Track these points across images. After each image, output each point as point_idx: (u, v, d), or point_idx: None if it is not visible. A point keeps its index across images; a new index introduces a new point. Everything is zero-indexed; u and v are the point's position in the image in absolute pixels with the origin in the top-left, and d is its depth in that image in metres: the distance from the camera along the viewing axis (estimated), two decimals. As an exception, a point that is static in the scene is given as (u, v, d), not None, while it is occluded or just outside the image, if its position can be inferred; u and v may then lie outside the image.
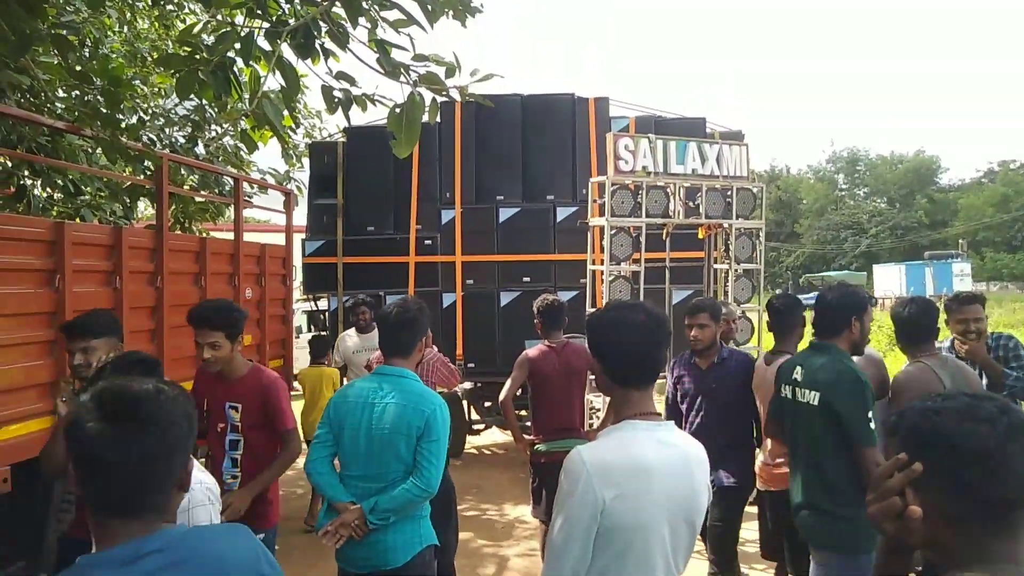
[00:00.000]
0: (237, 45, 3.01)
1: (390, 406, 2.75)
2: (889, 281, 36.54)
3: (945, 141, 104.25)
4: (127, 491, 1.27)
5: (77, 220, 5.94)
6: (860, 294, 3.16)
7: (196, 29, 3.47)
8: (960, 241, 44.20)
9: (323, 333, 7.88)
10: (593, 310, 2.31)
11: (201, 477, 2.16)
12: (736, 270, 6.56)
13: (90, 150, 6.08)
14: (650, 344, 1.85)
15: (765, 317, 4.22)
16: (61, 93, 5.82)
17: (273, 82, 3.69)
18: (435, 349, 4.76)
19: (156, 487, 1.30)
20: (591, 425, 5.86)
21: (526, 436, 4.66)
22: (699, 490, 1.83)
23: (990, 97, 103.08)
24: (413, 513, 2.81)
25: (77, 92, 5.24)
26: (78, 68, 5.05)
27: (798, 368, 3.10)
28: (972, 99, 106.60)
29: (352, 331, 6.00)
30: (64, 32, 4.79)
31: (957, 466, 1.07)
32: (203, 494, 2.11)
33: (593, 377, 5.09)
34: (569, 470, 1.75)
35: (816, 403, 2.94)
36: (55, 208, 6.31)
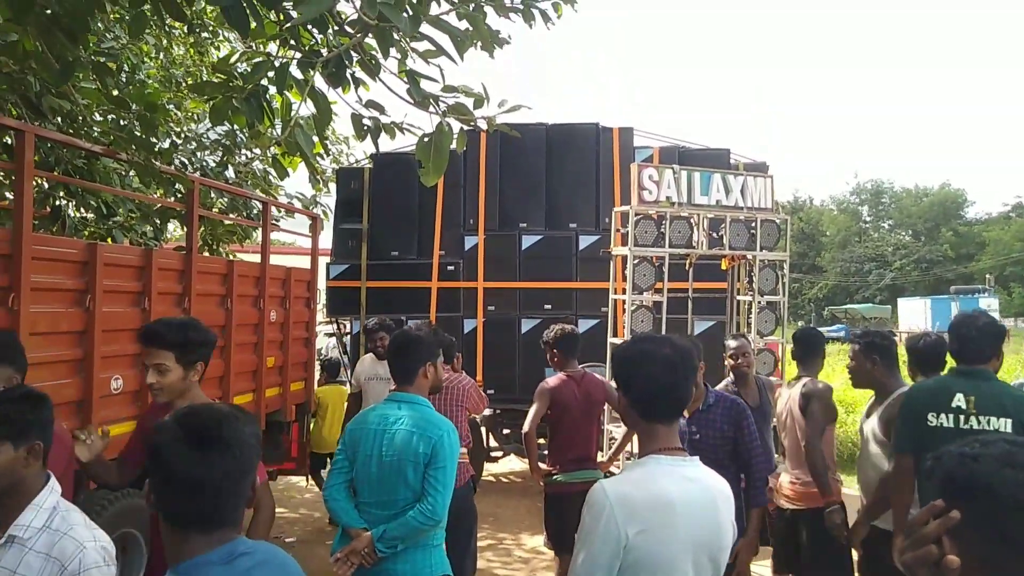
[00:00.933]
0: (271, 74, 3.08)
1: (400, 432, 2.76)
2: (914, 315, 36.00)
3: (971, 175, 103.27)
4: (211, 507, 1.41)
5: (108, 241, 6.06)
6: (1001, 324, 3.30)
7: (233, 59, 3.55)
8: (987, 276, 43.51)
9: (331, 358, 7.93)
10: (618, 342, 2.47)
11: (94, 535, 1.93)
12: (759, 302, 6.52)
13: (123, 172, 6.22)
14: (676, 378, 1.82)
15: (790, 347, 4.35)
16: (98, 117, 5.97)
17: (304, 110, 3.78)
18: (464, 373, 4.77)
19: (234, 503, 1.44)
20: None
21: (542, 465, 4.64)
22: (724, 527, 1.81)
23: (1016, 133, 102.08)
24: (424, 542, 2.78)
25: (113, 116, 5.38)
26: (115, 93, 5.20)
27: (958, 395, 2.94)
28: (998, 135, 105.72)
29: (369, 356, 5.58)
30: (103, 59, 4.94)
31: (996, 514, 1.04)
32: (97, 554, 1.86)
33: (610, 408, 5.10)
34: (592, 504, 1.74)
35: (1010, 430, 2.83)
36: (88, 229, 6.44)
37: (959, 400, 2.95)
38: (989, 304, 35.05)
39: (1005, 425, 2.85)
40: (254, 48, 4.19)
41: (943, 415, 2.98)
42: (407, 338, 2.99)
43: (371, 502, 2.78)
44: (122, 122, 5.45)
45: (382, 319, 5.63)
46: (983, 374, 3.04)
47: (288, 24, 3.02)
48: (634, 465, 1.88)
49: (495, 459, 8.23)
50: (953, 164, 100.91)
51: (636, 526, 1.69)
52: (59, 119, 5.15)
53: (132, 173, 6.01)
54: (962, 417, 2.93)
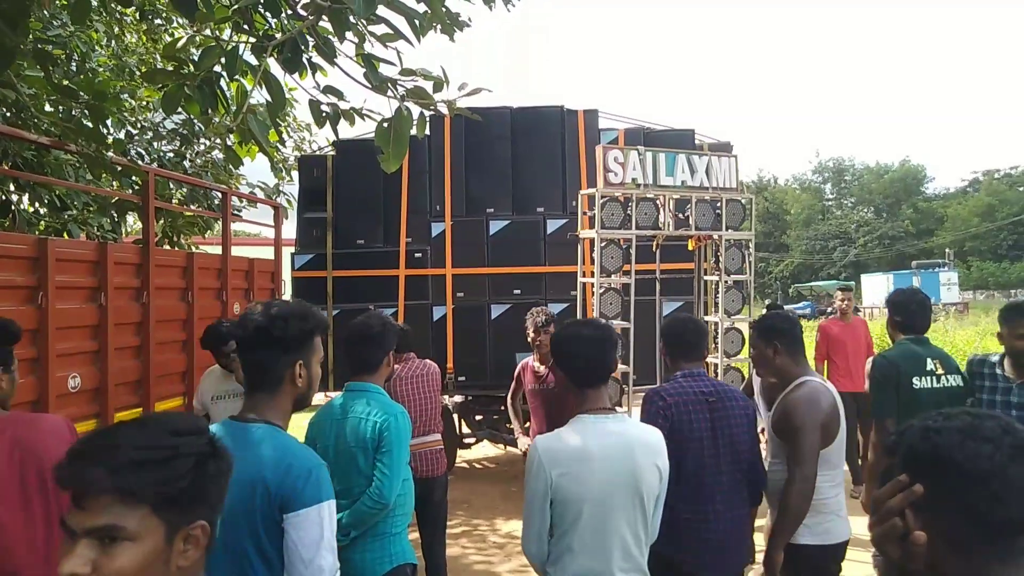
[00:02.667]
0: (223, 60, 2.99)
1: (350, 420, 2.78)
2: (877, 291, 36.71)
3: (930, 149, 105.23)
4: None
5: (65, 235, 5.89)
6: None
7: (180, 44, 3.44)
8: (947, 250, 44.55)
9: None
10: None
11: None
12: (726, 281, 6.57)
13: (77, 165, 6.04)
14: (598, 352, 2.30)
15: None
16: (48, 108, 5.78)
17: (259, 97, 3.68)
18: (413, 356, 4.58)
19: None
20: None
21: (525, 438, 4.73)
22: (642, 467, 2.22)
23: (975, 105, 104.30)
24: (381, 530, 2.78)
25: (63, 107, 5.20)
26: (64, 82, 5.02)
27: (928, 360, 3.58)
28: (957, 107, 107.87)
29: (217, 370, 4.37)
30: (49, 47, 4.76)
31: (958, 488, 1.03)
32: None
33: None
34: (529, 456, 2.27)
35: (961, 384, 3.53)
36: (41, 223, 6.26)
37: (931, 364, 3.57)
38: (949, 278, 35.91)
39: (959, 380, 3.54)
40: (206, 33, 4.07)
41: (924, 378, 3.56)
42: (370, 328, 2.95)
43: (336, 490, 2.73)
44: (72, 112, 5.29)
45: (227, 325, 4.24)
46: (926, 340, 3.72)
47: (236, 6, 2.92)
48: (569, 423, 2.30)
49: (468, 446, 8.22)
50: (913, 138, 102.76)
51: (559, 470, 2.18)
52: (3, 110, 4.96)
53: (86, 165, 5.84)
54: (935, 378, 3.55)
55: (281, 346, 1.89)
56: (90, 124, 4.24)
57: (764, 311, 4.82)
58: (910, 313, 3.72)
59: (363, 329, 2.94)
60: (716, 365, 6.61)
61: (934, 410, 1.13)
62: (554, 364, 2.46)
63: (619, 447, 2.20)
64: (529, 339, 4.81)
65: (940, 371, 3.56)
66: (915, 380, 3.54)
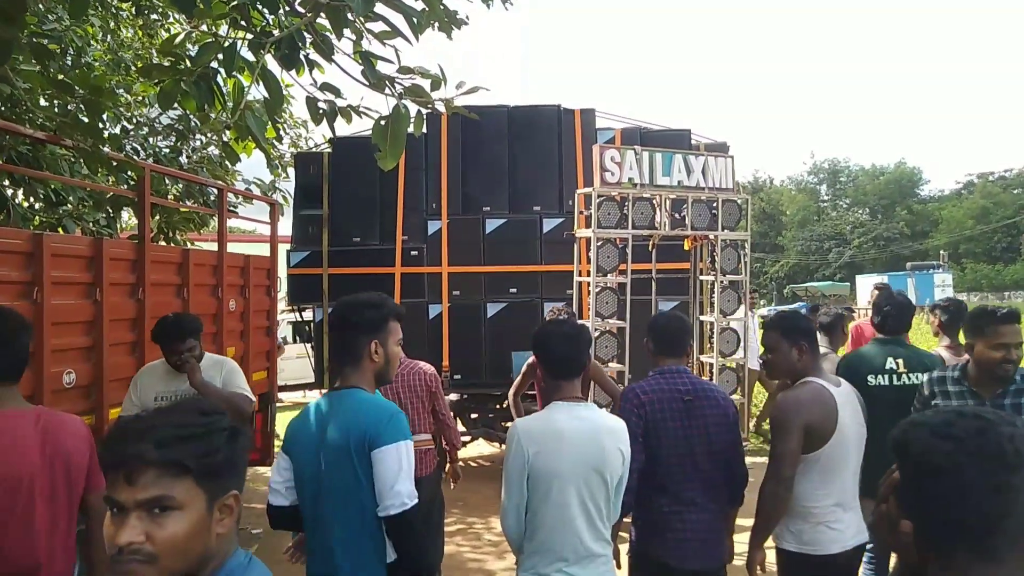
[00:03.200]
0: (220, 56, 2.98)
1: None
2: (871, 291, 36.82)
3: (926, 151, 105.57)
4: None
5: (60, 231, 5.86)
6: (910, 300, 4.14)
7: (178, 40, 3.43)
8: (941, 252, 44.68)
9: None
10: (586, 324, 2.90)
11: None
12: (722, 281, 6.58)
13: (72, 160, 6.01)
14: (572, 349, 2.61)
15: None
16: (43, 102, 5.76)
17: (257, 93, 3.68)
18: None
19: None
20: None
21: None
22: (608, 451, 2.49)
23: (969, 108, 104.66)
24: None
25: (59, 102, 5.19)
26: (60, 77, 5.00)
27: (889, 359, 3.75)
28: (952, 109, 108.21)
29: (161, 365, 3.89)
30: (45, 41, 4.74)
31: (920, 481, 1.07)
32: None
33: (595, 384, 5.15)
34: (508, 435, 2.58)
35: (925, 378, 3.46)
36: (37, 218, 6.23)
37: (891, 363, 3.75)
38: (944, 279, 36.00)
39: (922, 378, 3.50)
40: (203, 29, 4.06)
41: (880, 375, 3.73)
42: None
43: None
44: (68, 107, 5.27)
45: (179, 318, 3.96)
46: (902, 342, 3.91)
47: (235, 3, 2.92)
48: (544, 409, 2.63)
49: (463, 444, 8.22)
50: (908, 140, 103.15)
51: (535, 447, 2.47)
52: (0, 105, 4.95)
53: (83, 160, 5.82)
54: (893, 376, 3.72)
55: (359, 329, 2.36)
56: (86, 119, 4.23)
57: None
58: (884, 315, 3.96)
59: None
60: (711, 365, 6.63)
61: (892, 406, 1.18)
62: (535, 358, 2.74)
63: (587, 431, 2.50)
64: None
65: (901, 369, 3.73)
66: (869, 378, 3.71)
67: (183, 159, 7.60)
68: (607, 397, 5.87)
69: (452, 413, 5.11)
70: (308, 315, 8.18)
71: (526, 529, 2.51)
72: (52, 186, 5.77)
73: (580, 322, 3.12)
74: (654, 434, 2.83)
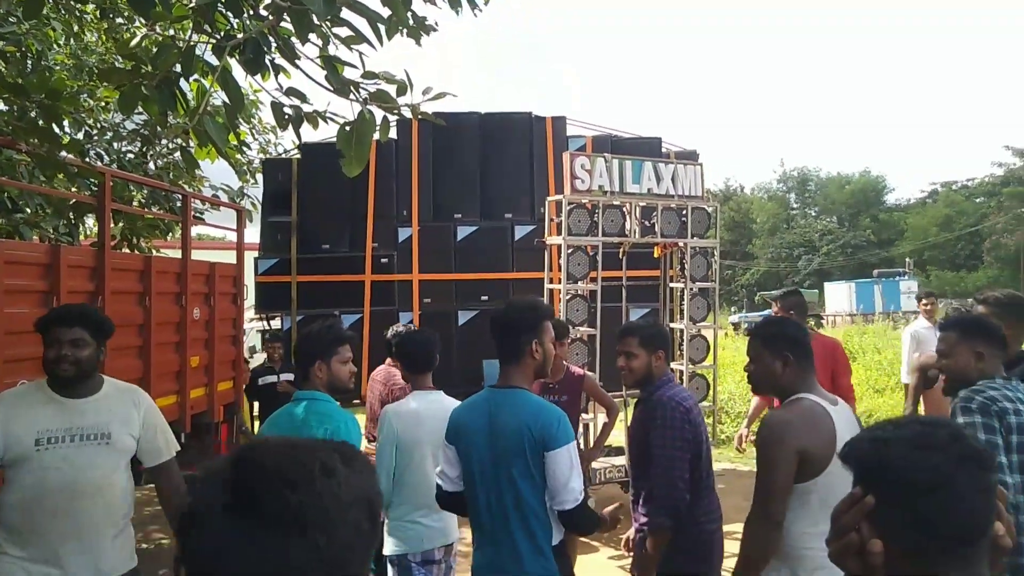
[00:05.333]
0: (181, 59, 2.92)
1: (301, 429, 2.82)
2: (839, 298, 37.38)
3: (890, 160, 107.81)
4: None
5: (17, 238, 5.71)
6: None
7: (134, 42, 3.36)
8: (907, 260, 45.55)
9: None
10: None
11: None
12: (692, 289, 6.62)
13: (31, 165, 5.86)
14: (426, 350, 3.45)
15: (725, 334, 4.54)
16: (1, 106, 5.61)
17: (221, 98, 3.61)
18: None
19: None
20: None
21: None
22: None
23: (933, 117, 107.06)
24: None
25: (16, 105, 5.05)
26: (18, 81, 4.87)
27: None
28: (916, 118, 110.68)
29: (37, 392, 2.59)
30: (3, 43, 4.62)
31: (909, 498, 1.03)
32: None
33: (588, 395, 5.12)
34: (380, 417, 3.33)
35: None
36: (-8, 225, 6.06)
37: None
38: (910, 286, 36.69)
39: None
40: (169, 32, 3.98)
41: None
42: (300, 340, 3.12)
43: None
44: (28, 112, 5.13)
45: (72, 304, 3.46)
46: None
47: (194, 4, 2.86)
48: (409, 396, 3.37)
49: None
50: (873, 148, 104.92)
51: (399, 425, 3.23)
52: (-48, 108, 4.81)
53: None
54: None
55: (520, 330, 2.59)
56: (43, 123, 4.12)
57: (782, 294, 5.00)
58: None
59: (298, 340, 3.16)
60: (681, 372, 6.66)
61: None
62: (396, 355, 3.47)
63: (438, 411, 3.06)
64: None
65: None
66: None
67: (150, 165, 7.47)
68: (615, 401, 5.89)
69: None
70: (276, 323, 8.05)
71: (394, 487, 3.20)
72: (8, 192, 5.61)
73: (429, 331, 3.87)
74: (699, 448, 2.92)
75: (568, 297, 6.14)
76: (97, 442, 2.67)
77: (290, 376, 6.34)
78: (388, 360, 4.66)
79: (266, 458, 0.84)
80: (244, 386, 6.80)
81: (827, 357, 4.40)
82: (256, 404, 7.17)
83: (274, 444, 0.88)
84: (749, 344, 2.66)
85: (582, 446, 5.38)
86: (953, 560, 1.02)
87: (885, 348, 14.48)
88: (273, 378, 6.83)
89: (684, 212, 6.52)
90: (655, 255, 7.03)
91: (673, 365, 6.93)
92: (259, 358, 10.80)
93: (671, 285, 7.27)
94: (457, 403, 3.03)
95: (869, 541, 1.05)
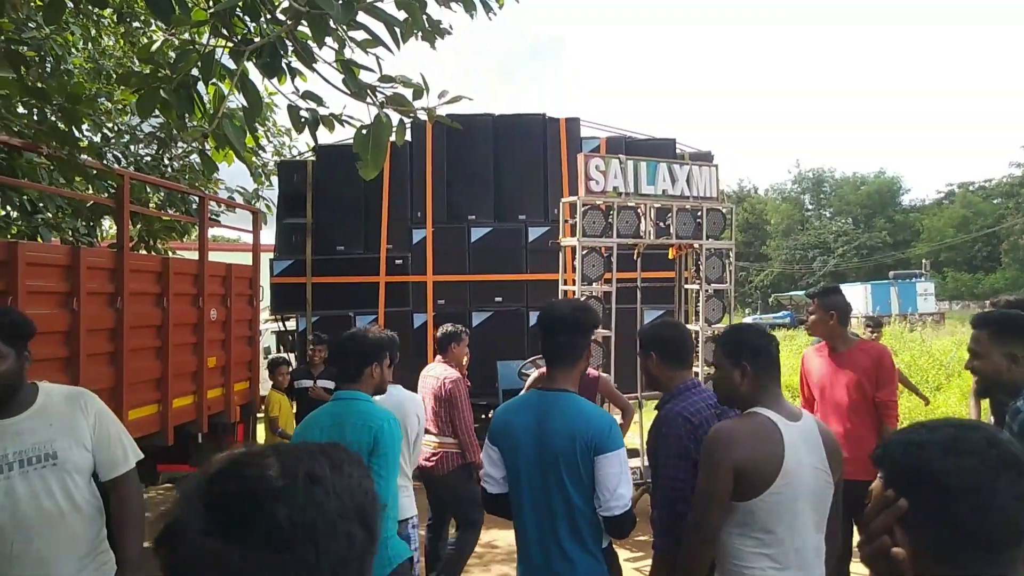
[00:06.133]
0: (199, 63, 2.95)
1: (345, 427, 2.86)
2: (855, 300, 36.90)
3: (907, 160, 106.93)
4: None
5: (37, 240, 5.78)
6: None
7: (155, 47, 3.40)
8: (923, 261, 45.15)
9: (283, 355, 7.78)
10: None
11: None
12: (707, 290, 6.59)
13: (51, 168, 5.94)
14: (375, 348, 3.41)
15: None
16: (21, 110, 5.68)
17: (238, 101, 3.64)
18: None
19: None
20: None
21: None
22: (408, 412, 3.70)
23: (949, 117, 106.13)
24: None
25: (36, 109, 5.12)
26: (39, 85, 4.93)
27: None
28: (932, 119, 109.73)
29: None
30: (24, 48, 4.68)
31: (943, 503, 1.01)
32: None
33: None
34: None
35: None
36: (13, 227, 6.14)
37: None
38: (926, 288, 36.39)
39: None
40: (187, 36, 4.02)
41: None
42: (354, 338, 3.06)
43: None
44: (47, 115, 5.20)
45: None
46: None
47: (213, 10, 2.89)
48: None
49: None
50: (889, 149, 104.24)
51: None
52: (-26, 112, 4.87)
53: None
54: None
55: (580, 331, 2.55)
56: (63, 127, 4.17)
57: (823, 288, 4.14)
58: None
59: (347, 339, 3.08)
60: (696, 373, 6.62)
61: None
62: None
63: (394, 402, 3.50)
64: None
65: None
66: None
67: (166, 167, 7.54)
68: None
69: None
70: (291, 324, 8.10)
71: None
72: (28, 195, 5.68)
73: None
74: None
75: (583, 299, 6.13)
76: (41, 465, 2.26)
77: (328, 384, 6.17)
78: (438, 357, 4.92)
79: (245, 469, 0.78)
80: (285, 387, 6.78)
81: (871, 367, 3.85)
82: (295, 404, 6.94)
83: (253, 454, 0.81)
84: (713, 352, 2.59)
85: None
86: (987, 566, 1.01)
87: (902, 351, 14.34)
88: (309, 382, 6.63)
89: (699, 213, 6.49)
90: (670, 256, 7.01)
91: (688, 367, 6.90)
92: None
93: (686, 287, 7.24)
94: (411, 394, 3.58)
95: (891, 549, 1.04)
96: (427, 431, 4.70)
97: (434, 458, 4.67)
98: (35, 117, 5.44)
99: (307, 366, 6.81)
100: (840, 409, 3.88)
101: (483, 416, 7.50)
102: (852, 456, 3.16)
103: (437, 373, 4.77)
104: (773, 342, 2.45)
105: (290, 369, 6.96)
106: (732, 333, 2.58)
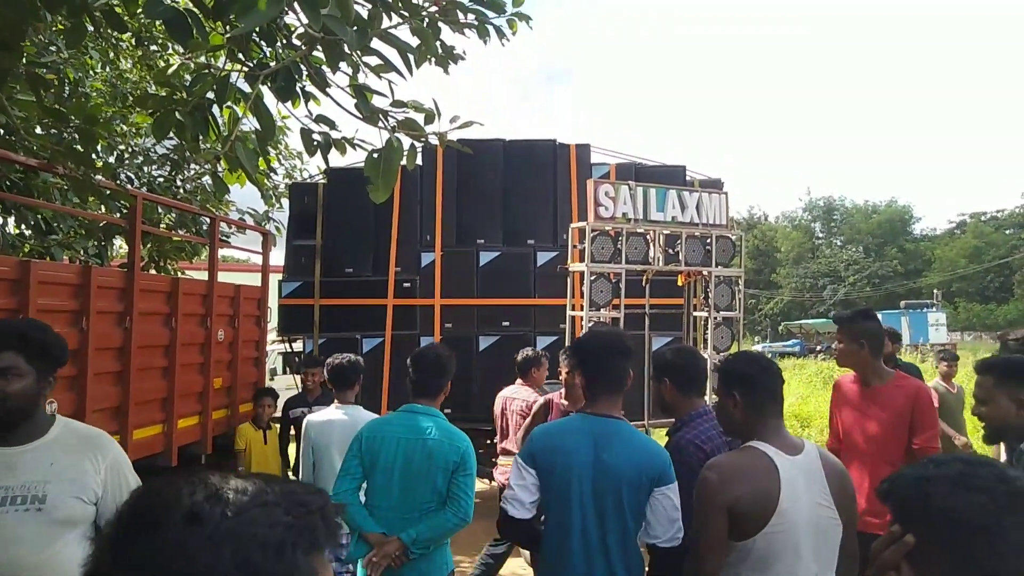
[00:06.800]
0: (215, 87, 2.99)
1: (431, 442, 2.94)
2: (866, 329, 36.71)
3: (918, 190, 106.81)
4: None
5: (48, 259, 5.83)
6: None
7: (171, 70, 3.44)
8: (935, 291, 44.89)
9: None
10: None
11: None
12: (716, 318, 6.56)
13: (64, 188, 6.01)
14: (340, 372, 4.27)
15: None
16: (39, 131, 5.77)
17: (252, 124, 3.68)
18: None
19: None
20: None
21: None
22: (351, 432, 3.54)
23: (961, 147, 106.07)
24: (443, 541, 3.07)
25: (55, 130, 5.19)
26: (57, 107, 5.00)
27: None
28: (944, 149, 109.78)
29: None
30: (44, 71, 4.76)
31: (952, 539, 1.00)
32: None
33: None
34: (304, 427, 4.24)
35: None
36: (27, 245, 6.20)
37: None
38: (937, 319, 36.10)
39: None
40: (203, 60, 4.08)
41: None
42: (437, 355, 3.23)
43: (387, 506, 2.96)
44: (64, 136, 5.27)
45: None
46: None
47: (230, 35, 2.93)
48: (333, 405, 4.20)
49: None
50: (900, 178, 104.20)
51: (313, 431, 4.16)
52: (-7, 132, 4.95)
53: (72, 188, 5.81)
54: None
55: (629, 356, 2.58)
56: (79, 147, 4.22)
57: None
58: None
59: (430, 356, 3.23)
60: (706, 403, 6.57)
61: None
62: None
63: (346, 420, 4.01)
64: (562, 377, 4.49)
65: None
66: None
67: (179, 189, 7.61)
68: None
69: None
70: (298, 346, 8.10)
71: (313, 479, 4.06)
72: (43, 214, 5.74)
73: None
74: None
75: (590, 324, 6.11)
76: (24, 507, 2.00)
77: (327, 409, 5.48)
78: (518, 380, 5.13)
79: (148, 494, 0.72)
80: (266, 421, 5.85)
81: (905, 407, 3.35)
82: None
83: (157, 486, 0.74)
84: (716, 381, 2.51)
85: None
86: None
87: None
88: (305, 410, 5.53)
89: (708, 240, 6.49)
90: (679, 283, 6.99)
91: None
92: (280, 381, 10.85)
93: (695, 314, 7.21)
94: (371, 415, 3.72)
95: None
96: (507, 451, 4.98)
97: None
98: (51, 138, 5.53)
99: (303, 393, 5.88)
100: (866, 452, 3.41)
101: (488, 442, 7.45)
102: (874, 508, 2.97)
103: (524, 396, 4.99)
104: (768, 371, 2.33)
105: (276, 401, 6.01)
106: (726, 362, 2.50)
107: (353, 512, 2.93)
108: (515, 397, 5.07)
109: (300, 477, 4.26)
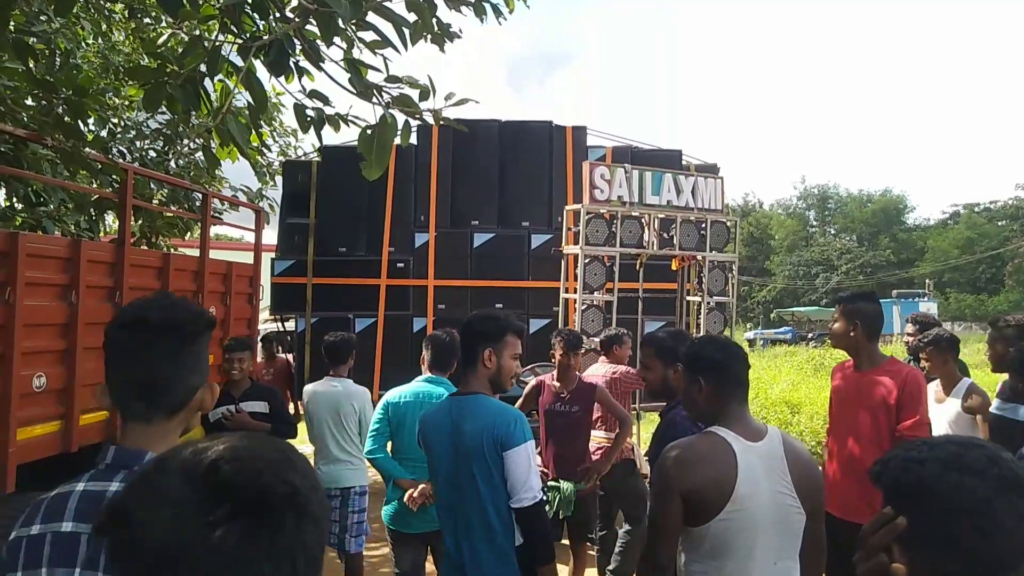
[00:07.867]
0: (206, 59, 2.94)
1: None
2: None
3: (912, 179, 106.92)
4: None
5: (39, 231, 5.77)
6: None
7: (161, 40, 3.39)
8: (927, 281, 45.07)
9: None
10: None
11: None
12: (709, 303, 6.57)
13: (55, 160, 5.94)
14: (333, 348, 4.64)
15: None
16: (30, 102, 5.68)
17: (244, 98, 3.63)
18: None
19: None
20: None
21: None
22: (343, 404, 4.51)
23: (956, 138, 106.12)
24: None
25: (44, 101, 5.12)
26: (47, 77, 4.93)
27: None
28: (939, 139, 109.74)
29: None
30: (33, 40, 4.68)
31: (942, 522, 0.99)
32: None
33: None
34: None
35: None
36: (17, 218, 6.13)
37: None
38: (929, 308, 36.29)
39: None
40: (195, 32, 4.02)
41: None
42: (450, 337, 3.71)
43: (416, 458, 3.32)
44: (55, 107, 5.20)
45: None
46: None
47: (222, 5, 2.88)
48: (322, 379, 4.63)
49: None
50: (895, 167, 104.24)
51: (306, 399, 4.58)
52: (-19, 102, 4.87)
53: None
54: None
55: (477, 338, 2.69)
56: (68, 119, 4.17)
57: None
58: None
59: (443, 338, 3.74)
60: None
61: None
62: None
63: (331, 391, 4.51)
64: (555, 359, 4.48)
65: None
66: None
67: (171, 163, 7.53)
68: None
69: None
70: (290, 325, 8.08)
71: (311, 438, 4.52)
72: (33, 186, 5.68)
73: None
74: None
75: (584, 307, 6.11)
76: None
77: (257, 407, 4.51)
78: (601, 358, 5.12)
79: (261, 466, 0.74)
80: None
81: (894, 392, 3.25)
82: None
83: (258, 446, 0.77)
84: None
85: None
86: None
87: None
88: (226, 409, 4.44)
89: (703, 225, 6.48)
90: (673, 268, 6.99)
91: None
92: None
93: (688, 298, 7.22)
94: (360, 387, 4.45)
95: (892, 565, 1.02)
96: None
97: (598, 452, 4.69)
98: (41, 109, 5.45)
99: (225, 385, 4.55)
100: (852, 441, 3.33)
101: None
102: (860, 499, 2.99)
103: (604, 372, 4.89)
104: (736, 357, 2.27)
105: (250, 353, 4.91)
106: (692, 346, 2.42)
107: (385, 463, 3.68)
108: (597, 374, 4.88)
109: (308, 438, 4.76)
